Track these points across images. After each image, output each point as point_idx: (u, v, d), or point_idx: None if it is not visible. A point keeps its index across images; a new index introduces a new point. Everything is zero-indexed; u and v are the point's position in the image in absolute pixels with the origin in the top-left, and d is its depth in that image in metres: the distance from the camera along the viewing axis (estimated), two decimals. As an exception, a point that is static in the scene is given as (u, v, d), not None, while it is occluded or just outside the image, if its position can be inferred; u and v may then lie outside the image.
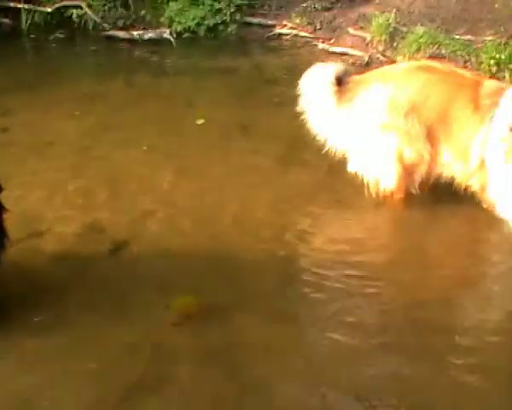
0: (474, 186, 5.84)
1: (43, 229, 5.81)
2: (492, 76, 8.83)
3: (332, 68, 6.16)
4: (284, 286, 5.20)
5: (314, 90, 6.13)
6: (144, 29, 10.99)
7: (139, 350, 4.54)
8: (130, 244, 5.64)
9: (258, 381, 4.29)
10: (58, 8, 11.49)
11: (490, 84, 5.90)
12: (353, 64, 10.06)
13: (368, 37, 10.41)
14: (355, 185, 6.17)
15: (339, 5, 11.23)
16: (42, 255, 5.50)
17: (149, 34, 10.84)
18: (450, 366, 4.40)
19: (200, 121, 7.78)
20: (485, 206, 5.86)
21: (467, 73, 6.20)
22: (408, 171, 5.94)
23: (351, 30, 10.77)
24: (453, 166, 5.90)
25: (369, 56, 10.12)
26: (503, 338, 4.69)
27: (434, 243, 5.77)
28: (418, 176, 5.97)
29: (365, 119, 5.94)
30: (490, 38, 9.63)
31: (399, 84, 5.91)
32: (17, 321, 4.72)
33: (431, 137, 5.84)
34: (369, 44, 10.36)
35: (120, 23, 11.13)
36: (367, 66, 9.96)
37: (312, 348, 4.63)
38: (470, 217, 5.91)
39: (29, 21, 11.46)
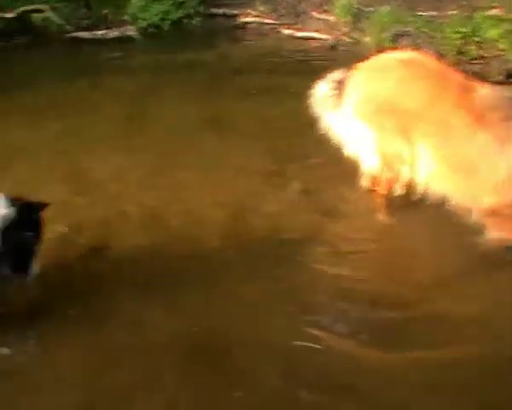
0: None
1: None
2: (459, 51, 8.87)
3: (333, 76, 6.01)
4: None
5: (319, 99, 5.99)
6: (108, 28, 10.87)
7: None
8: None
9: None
10: (20, 13, 11.33)
11: (487, 92, 5.45)
12: (319, 48, 10.07)
13: (332, 20, 10.40)
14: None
15: (301, -10, 11.21)
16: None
17: (113, 33, 10.73)
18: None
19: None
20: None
21: (456, 74, 5.70)
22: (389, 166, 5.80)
23: (315, 14, 10.75)
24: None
25: (335, 39, 10.11)
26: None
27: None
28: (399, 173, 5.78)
29: (348, 111, 5.84)
30: (453, 12, 9.65)
31: (378, 76, 5.77)
32: None
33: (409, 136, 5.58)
34: (334, 27, 10.34)
35: (84, 24, 11.00)
36: (333, 49, 9.98)
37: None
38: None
39: (-9, 28, 11.30)
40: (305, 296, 5.08)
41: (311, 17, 10.74)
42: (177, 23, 10.86)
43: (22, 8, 11.31)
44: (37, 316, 4.84)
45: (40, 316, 4.85)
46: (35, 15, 11.26)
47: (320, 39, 10.25)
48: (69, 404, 4.21)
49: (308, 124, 6.03)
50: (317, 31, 10.44)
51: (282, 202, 6.13)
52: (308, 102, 6.03)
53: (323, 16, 10.63)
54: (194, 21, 10.94)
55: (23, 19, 11.39)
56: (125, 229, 5.80)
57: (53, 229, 5.27)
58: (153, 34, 10.70)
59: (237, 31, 10.87)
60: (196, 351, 4.57)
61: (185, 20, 10.93)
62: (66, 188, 6.38)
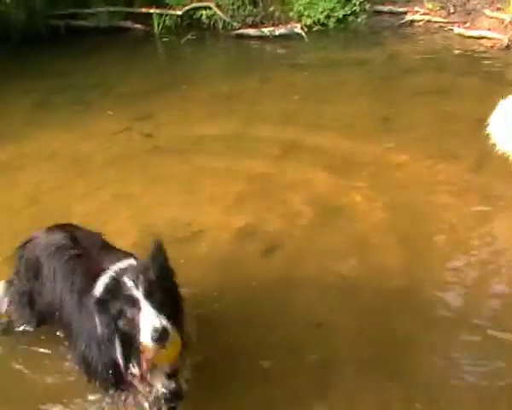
0: None
1: (195, 231, 5.81)
2: None
3: None
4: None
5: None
6: (274, 25, 11.00)
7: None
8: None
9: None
10: (188, 11, 11.74)
11: None
12: (492, 47, 9.68)
13: (507, 18, 9.94)
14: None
15: (473, -14, 10.83)
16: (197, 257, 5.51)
17: (280, 30, 10.84)
18: None
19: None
20: None
21: None
22: None
23: (487, 11, 10.34)
24: None
25: (510, 39, 9.65)
26: None
27: None
28: None
29: None
30: None
31: None
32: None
33: None
34: (509, 26, 9.89)
35: (249, 21, 11.21)
36: (507, 49, 9.54)
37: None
38: None
39: (161, 25, 11.77)
40: None
41: (483, 15, 10.34)
42: (342, 20, 10.83)
43: (190, 6, 11.73)
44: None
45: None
46: (202, 12, 11.63)
47: (493, 39, 9.81)
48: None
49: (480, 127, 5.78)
50: (489, 29, 10.02)
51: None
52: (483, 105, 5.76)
53: (496, 14, 10.19)
54: (359, 19, 10.86)
55: (191, 16, 11.82)
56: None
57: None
58: (318, 32, 10.71)
59: (404, 29, 10.67)
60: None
61: (350, 18, 10.88)
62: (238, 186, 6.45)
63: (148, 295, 3.54)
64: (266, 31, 10.87)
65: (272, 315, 4.81)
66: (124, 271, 3.69)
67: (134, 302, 3.53)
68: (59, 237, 4.32)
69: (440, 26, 10.53)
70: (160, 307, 3.55)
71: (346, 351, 4.42)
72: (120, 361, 3.64)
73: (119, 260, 3.89)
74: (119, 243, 4.95)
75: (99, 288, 3.71)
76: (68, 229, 4.44)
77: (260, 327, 4.69)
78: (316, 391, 4.16)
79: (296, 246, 5.51)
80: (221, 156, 6.97)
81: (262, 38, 10.86)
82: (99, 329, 3.69)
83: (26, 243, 4.51)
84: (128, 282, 3.57)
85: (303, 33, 10.64)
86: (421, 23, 10.70)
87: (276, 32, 10.82)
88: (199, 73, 9.72)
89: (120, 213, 6.22)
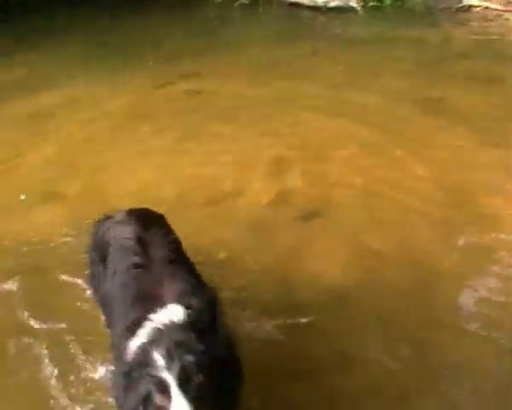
0: None
1: (234, 193, 5.81)
2: None
3: None
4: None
5: None
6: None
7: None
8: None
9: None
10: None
11: None
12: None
13: None
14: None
15: (535, -25, 10.55)
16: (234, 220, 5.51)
17: (335, 2, 10.70)
18: None
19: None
20: None
21: None
22: None
23: (548, 2, 10.10)
24: None
25: None
26: None
27: None
28: None
29: None
30: None
31: None
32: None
33: None
34: None
35: (303, -10, 11.09)
36: None
37: None
38: None
39: (214, -12, 11.71)
40: None
41: (543, 6, 10.10)
42: (398, -2, 10.67)
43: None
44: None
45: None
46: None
47: (551, 30, 9.59)
48: None
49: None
50: (548, 21, 9.79)
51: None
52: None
53: (556, 6, 9.96)
54: (417, -2, 10.68)
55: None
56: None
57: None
58: (374, 7, 10.56)
59: (461, 13, 10.43)
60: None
61: (408, -4, 10.70)
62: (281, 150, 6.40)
63: (183, 381, 2.84)
64: (320, 1, 10.74)
65: (298, 281, 4.79)
66: (160, 337, 2.99)
67: (164, 387, 2.85)
68: (127, 234, 3.85)
69: (498, 14, 10.29)
70: (199, 397, 2.83)
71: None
72: None
73: (177, 294, 3.29)
74: (156, 198, 5.03)
75: (139, 340, 3.07)
76: (141, 223, 3.94)
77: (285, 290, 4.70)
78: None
79: (335, 216, 5.44)
80: (265, 119, 6.95)
81: (315, 8, 10.74)
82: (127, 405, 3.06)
83: (101, 221, 4.21)
84: (158, 358, 2.88)
85: (358, 7, 10.50)
86: (478, 9, 10.46)
87: (331, 4, 10.69)
88: (249, 37, 9.67)
89: (158, 168, 6.24)
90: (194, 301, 3.14)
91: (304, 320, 4.40)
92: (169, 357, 2.88)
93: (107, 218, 4.18)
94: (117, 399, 3.23)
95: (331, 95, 7.48)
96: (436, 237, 5.11)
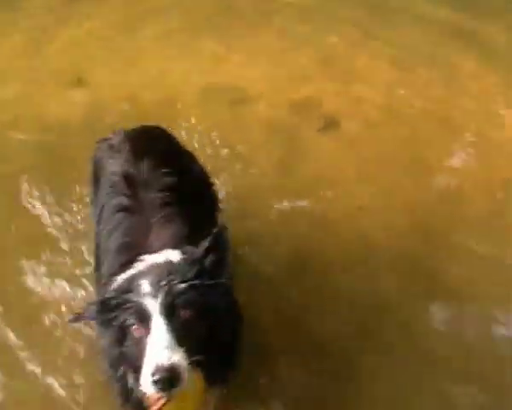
0: None
1: (253, 95, 5.76)
2: None
3: None
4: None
5: None
6: None
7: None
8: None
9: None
10: None
11: None
12: None
13: None
14: None
15: None
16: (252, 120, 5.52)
17: None
18: None
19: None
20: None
21: None
22: None
23: None
24: None
25: None
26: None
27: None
28: None
29: None
30: None
31: None
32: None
33: None
34: None
35: None
36: None
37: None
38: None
39: None
40: None
41: None
42: None
43: None
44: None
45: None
46: None
47: None
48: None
49: None
50: None
51: None
52: None
53: None
54: None
55: None
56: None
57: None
58: None
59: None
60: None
61: None
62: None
63: (168, 312, 2.54)
64: None
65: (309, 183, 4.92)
66: (151, 268, 2.72)
67: (144, 317, 2.55)
68: (115, 166, 3.43)
69: None
70: (183, 335, 2.51)
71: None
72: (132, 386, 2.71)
73: (170, 241, 2.96)
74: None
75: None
76: (134, 153, 3.47)
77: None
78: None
79: (354, 129, 5.46)
80: (298, 24, 6.64)
81: None
82: (102, 343, 2.82)
83: (99, 142, 3.82)
84: (145, 286, 2.59)
85: None
86: None
87: None
88: None
89: (183, 64, 6.16)
90: (190, 248, 2.81)
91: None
92: (156, 284, 2.58)
93: (105, 140, 3.78)
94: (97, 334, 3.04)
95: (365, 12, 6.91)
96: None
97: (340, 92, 5.80)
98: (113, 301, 2.63)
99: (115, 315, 2.62)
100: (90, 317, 2.76)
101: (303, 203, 4.76)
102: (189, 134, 5.18)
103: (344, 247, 4.46)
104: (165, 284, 2.56)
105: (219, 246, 2.74)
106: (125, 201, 3.24)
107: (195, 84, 5.84)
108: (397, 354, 3.89)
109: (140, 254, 2.86)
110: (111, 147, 3.62)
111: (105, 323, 2.68)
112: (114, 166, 3.45)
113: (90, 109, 5.62)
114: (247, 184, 4.88)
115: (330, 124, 5.48)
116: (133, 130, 3.79)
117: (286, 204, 4.74)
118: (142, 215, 3.16)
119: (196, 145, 5.03)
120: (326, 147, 5.29)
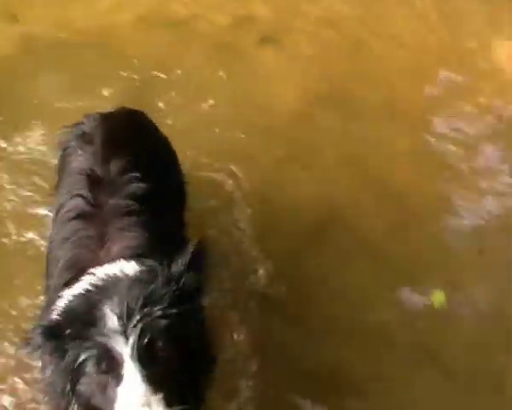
0: None
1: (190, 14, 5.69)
2: None
3: None
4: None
5: None
6: None
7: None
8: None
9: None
10: None
11: None
12: None
13: None
14: None
15: None
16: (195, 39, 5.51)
17: None
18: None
19: None
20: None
21: None
22: None
23: None
24: None
25: None
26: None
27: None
28: None
29: None
30: None
31: None
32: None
33: None
34: None
35: None
36: None
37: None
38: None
39: None
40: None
41: None
42: None
43: None
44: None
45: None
46: None
47: None
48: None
49: None
50: None
51: None
52: None
53: None
54: None
55: None
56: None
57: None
58: None
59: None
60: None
61: None
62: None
63: (144, 356, 2.02)
64: None
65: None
66: (114, 285, 2.20)
67: (112, 363, 2.03)
68: (80, 162, 2.99)
69: None
70: (161, 379, 2.02)
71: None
72: None
73: (123, 252, 2.53)
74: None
75: (64, 300, 2.30)
76: (106, 147, 3.00)
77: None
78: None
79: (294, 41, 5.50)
80: None
81: None
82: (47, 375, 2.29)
83: (73, 126, 3.31)
84: (111, 319, 2.05)
85: None
86: None
87: None
88: None
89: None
90: (152, 262, 2.36)
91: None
92: (126, 316, 2.03)
93: (77, 125, 3.28)
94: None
95: None
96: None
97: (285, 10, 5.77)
98: (65, 330, 2.12)
99: (67, 347, 2.11)
100: (35, 345, 2.16)
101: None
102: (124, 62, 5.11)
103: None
104: (140, 318, 2.04)
105: (198, 261, 2.25)
106: (83, 206, 2.78)
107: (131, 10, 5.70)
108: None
109: (89, 268, 2.43)
110: (82, 135, 3.15)
111: (53, 352, 2.16)
112: (80, 160, 3.01)
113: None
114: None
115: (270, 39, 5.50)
116: (111, 114, 3.35)
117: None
118: (100, 225, 2.70)
119: (136, 77, 5.01)
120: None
